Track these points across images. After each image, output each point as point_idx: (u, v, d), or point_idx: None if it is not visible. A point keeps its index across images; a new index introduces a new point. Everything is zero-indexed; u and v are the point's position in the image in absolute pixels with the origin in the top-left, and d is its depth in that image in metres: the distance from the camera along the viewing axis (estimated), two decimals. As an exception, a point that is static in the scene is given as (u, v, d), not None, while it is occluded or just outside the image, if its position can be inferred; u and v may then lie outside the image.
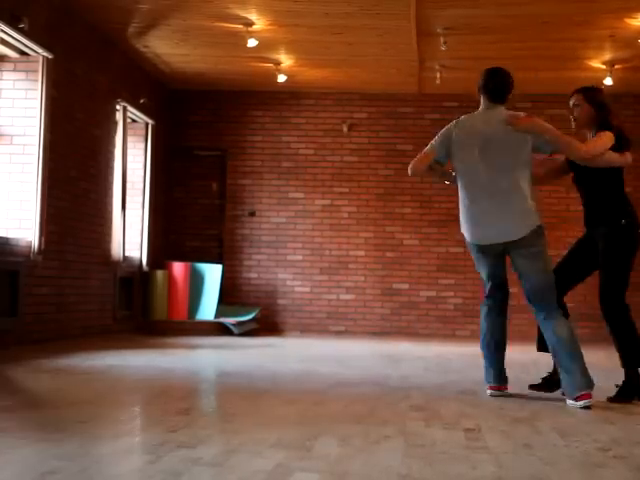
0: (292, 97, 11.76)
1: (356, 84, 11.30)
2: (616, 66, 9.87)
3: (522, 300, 10.78)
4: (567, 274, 5.08)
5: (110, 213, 9.64)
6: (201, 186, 11.87)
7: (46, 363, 6.20)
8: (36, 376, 5.50)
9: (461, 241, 11.62)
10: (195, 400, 5.05)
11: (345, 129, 11.70)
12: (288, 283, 11.64)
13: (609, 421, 4.12)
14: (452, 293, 11.42)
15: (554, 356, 4.79)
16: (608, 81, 9.85)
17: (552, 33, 8.95)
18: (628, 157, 4.96)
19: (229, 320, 10.65)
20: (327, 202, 11.68)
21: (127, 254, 9.98)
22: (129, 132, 10.20)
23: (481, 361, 5.11)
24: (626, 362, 4.84)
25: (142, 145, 10.70)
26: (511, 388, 5.08)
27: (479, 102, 5.06)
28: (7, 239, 7.33)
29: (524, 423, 3.96)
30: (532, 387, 5.20)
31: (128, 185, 10.04)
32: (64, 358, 6.61)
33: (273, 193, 11.74)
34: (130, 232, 10.22)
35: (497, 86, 4.99)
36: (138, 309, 10.58)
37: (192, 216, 11.85)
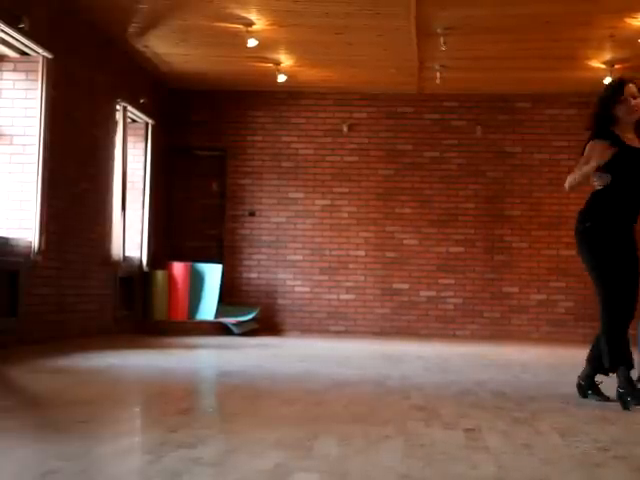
0: (292, 97, 11.75)
1: (356, 84, 11.29)
2: (616, 66, 9.87)
3: (522, 300, 10.87)
4: None
5: (110, 213, 9.63)
6: (201, 186, 11.87)
7: (46, 363, 6.19)
8: (36, 376, 5.50)
9: (460, 241, 11.70)
10: (195, 400, 5.05)
11: (345, 129, 11.70)
12: (288, 283, 11.63)
13: (609, 421, 4.12)
14: (452, 293, 11.40)
15: None
16: (608, 81, 9.86)
17: (552, 33, 8.95)
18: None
19: (229, 320, 10.65)
20: (327, 202, 11.68)
21: (127, 254, 9.97)
22: (129, 132, 10.19)
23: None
24: None
25: (142, 145, 10.69)
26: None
27: None
28: (7, 239, 7.33)
29: (524, 423, 3.96)
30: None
31: (128, 185, 10.03)
32: (64, 358, 6.61)
33: (273, 193, 11.74)
34: (130, 232, 10.21)
35: None
36: (138, 309, 10.57)
37: (192, 216, 11.84)
